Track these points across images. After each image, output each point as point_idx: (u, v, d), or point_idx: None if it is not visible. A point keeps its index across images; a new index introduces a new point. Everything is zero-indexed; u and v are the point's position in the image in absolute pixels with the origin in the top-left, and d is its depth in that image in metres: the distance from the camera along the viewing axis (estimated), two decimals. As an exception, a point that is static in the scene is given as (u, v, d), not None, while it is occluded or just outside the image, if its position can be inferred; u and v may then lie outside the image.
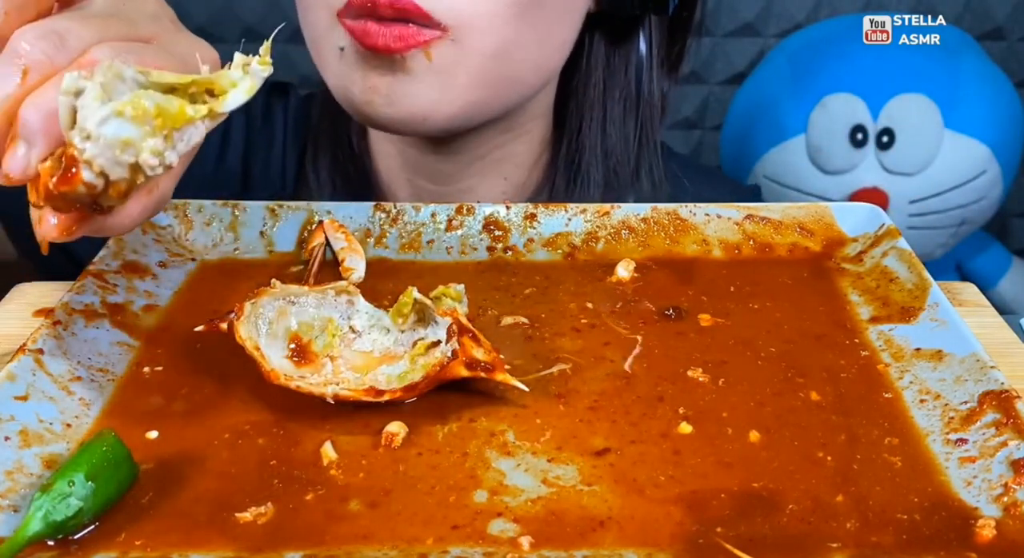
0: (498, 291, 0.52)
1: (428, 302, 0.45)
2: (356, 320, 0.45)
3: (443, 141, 0.67)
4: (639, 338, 0.48)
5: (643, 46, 0.69)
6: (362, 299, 0.46)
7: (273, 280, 0.45)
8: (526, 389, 0.43)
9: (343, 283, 0.46)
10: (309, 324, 0.45)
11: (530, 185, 0.73)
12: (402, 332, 0.45)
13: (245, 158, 0.75)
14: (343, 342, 0.45)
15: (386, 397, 0.41)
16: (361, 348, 0.45)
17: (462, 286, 0.47)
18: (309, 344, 0.44)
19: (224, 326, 0.44)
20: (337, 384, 0.42)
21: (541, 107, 0.70)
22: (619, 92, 0.70)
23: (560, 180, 0.71)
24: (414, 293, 0.44)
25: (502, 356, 0.44)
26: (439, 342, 0.44)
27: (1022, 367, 0.46)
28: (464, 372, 0.42)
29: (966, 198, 1.33)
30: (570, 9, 0.62)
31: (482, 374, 0.42)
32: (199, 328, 0.45)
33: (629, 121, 0.70)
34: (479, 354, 0.43)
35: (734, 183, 1.02)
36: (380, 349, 0.45)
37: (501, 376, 0.42)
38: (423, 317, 0.45)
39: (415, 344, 0.45)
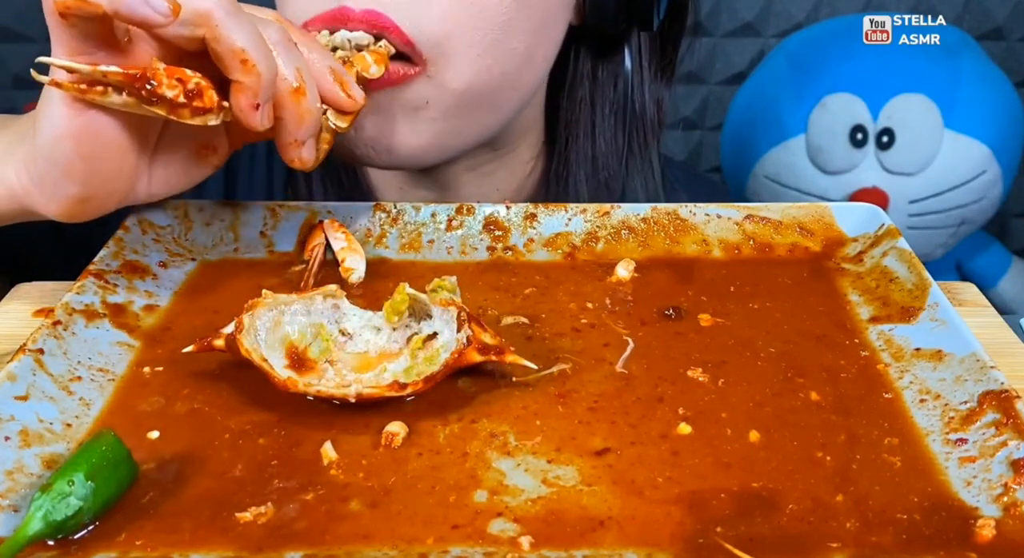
0: (498, 291, 0.52)
1: (422, 296, 0.45)
2: (346, 323, 0.46)
3: None
4: (629, 340, 0.48)
5: (629, 60, 0.67)
6: (347, 302, 0.46)
7: (264, 290, 0.45)
8: (535, 367, 0.44)
9: (330, 287, 0.46)
10: (303, 332, 0.45)
11: (523, 195, 0.72)
12: (394, 329, 0.45)
13: (226, 170, 0.71)
14: (337, 346, 0.45)
15: (409, 390, 0.42)
16: (355, 349, 0.45)
17: (455, 277, 0.48)
18: (305, 352, 0.44)
19: (219, 343, 0.44)
20: (349, 387, 0.42)
21: (526, 123, 0.69)
22: (608, 106, 0.68)
23: (550, 193, 0.70)
24: (407, 289, 0.45)
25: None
26: (436, 334, 0.44)
27: (1022, 367, 0.46)
28: (477, 357, 0.43)
29: (966, 198, 1.33)
30: (550, 25, 0.60)
31: (493, 357, 0.43)
32: (188, 349, 0.44)
33: (619, 135, 0.69)
34: (487, 339, 0.43)
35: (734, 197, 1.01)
36: (375, 349, 0.45)
37: (511, 358, 0.43)
38: (415, 312, 0.45)
39: (410, 339, 0.45)
